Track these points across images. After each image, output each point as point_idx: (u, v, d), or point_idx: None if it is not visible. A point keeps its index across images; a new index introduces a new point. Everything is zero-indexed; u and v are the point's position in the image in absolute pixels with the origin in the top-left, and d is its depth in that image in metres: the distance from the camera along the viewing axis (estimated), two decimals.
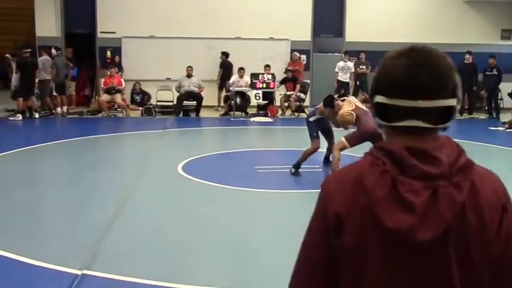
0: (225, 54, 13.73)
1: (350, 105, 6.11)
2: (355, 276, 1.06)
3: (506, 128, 11.20)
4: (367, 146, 6.61)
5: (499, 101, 13.57)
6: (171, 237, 4.55)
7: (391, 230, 1.00)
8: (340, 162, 5.80)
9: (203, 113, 12.97)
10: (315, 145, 6.70)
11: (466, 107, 13.72)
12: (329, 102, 6.37)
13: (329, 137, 6.96)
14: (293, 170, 6.71)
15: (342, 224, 1.05)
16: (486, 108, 13.73)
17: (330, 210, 1.07)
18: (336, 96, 6.62)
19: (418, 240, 0.99)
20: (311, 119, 6.83)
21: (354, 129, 6.02)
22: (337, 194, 1.08)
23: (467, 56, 13.32)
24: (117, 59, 14.00)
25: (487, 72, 13.22)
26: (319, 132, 6.82)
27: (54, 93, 12.52)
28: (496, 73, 13.12)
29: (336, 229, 1.06)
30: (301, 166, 6.71)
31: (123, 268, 3.75)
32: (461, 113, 13.57)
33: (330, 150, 6.91)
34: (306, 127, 6.93)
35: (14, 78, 12.12)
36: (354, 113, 5.94)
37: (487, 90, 13.34)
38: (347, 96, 6.52)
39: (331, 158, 6.57)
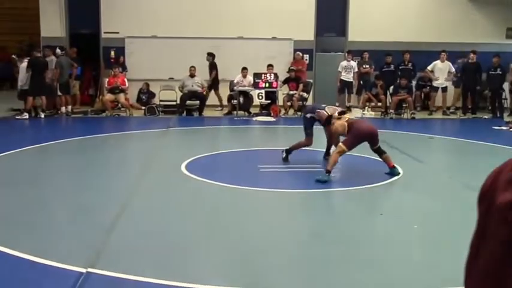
0: (212, 55, 13.63)
1: (343, 120, 6.91)
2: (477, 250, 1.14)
3: (510, 128, 11.18)
4: (366, 147, 6.69)
5: (502, 101, 13.54)
6: (174, 236, 4.58)
7: (498, 205, 1.07)
8: (336, 165, 6.49)
9: (205, 113, 13.02)
10: (307, 141, 7.34)
11: (470, 106, 13.71)
12: (328, 122, 7.11)
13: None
14: (284, 155, 7.41)
15: (479, 203, 1.16)
16: (490, 107, 13.70)
17: (480, 190, 1.19)
18: (337, 114, 6.99)
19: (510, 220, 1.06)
20: (308, 115, 7.42)
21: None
22: (488, 177, 1.17)
23: (472, 55, 13.29)
24: (121, 59, 14.07)
25: (490, 72, 13.18)
26: (313, 129, 7.36)
27: (59, 93, 12.61)
28: (500, 72, 13.08)
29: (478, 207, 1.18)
30: (303, 166, 6.85)
31: (127, 266, 3.77)
32: (464, 113, 13.57)
33: (329, 142, 7.51)
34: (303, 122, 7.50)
35: (20, 79, 12.19)
36: (345, 124, 6.73)
37: (491, 90, 13.32)
38: (345, 113, 7.13)
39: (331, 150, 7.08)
